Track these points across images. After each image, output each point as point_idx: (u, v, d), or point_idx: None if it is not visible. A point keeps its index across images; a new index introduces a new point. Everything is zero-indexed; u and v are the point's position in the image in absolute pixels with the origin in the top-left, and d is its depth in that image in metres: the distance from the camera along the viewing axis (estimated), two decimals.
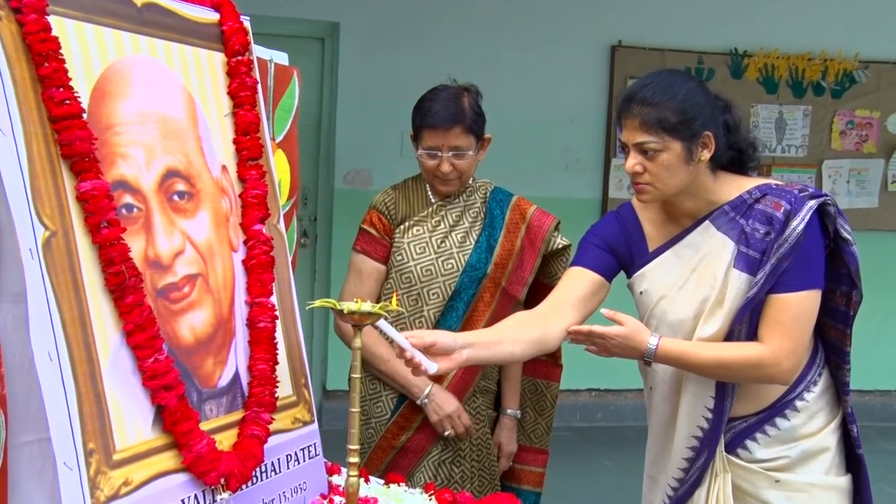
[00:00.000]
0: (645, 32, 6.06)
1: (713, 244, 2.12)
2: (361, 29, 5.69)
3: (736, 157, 2.16)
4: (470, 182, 2.64)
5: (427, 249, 2.57)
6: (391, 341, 1.84)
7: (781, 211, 2.05)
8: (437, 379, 2.55)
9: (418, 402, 2.54)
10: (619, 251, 2.25)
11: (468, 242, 2.59)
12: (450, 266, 2.56)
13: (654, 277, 2.20)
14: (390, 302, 1.79)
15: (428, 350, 1.84)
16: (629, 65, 6.04)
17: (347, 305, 1.63)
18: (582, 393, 6.01)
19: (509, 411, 2.73)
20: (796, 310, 2.04)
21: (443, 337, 1.89)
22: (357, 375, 1.67)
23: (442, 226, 2.59)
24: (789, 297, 2.04)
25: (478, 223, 2.61)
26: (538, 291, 2.71)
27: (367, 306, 1.65)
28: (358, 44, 5.70)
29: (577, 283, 2.22)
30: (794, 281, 2.03)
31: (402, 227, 2.59)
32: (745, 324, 2.08)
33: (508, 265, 2.60)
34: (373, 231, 2.60)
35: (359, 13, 5.68)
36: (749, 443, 2.16)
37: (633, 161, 2.06)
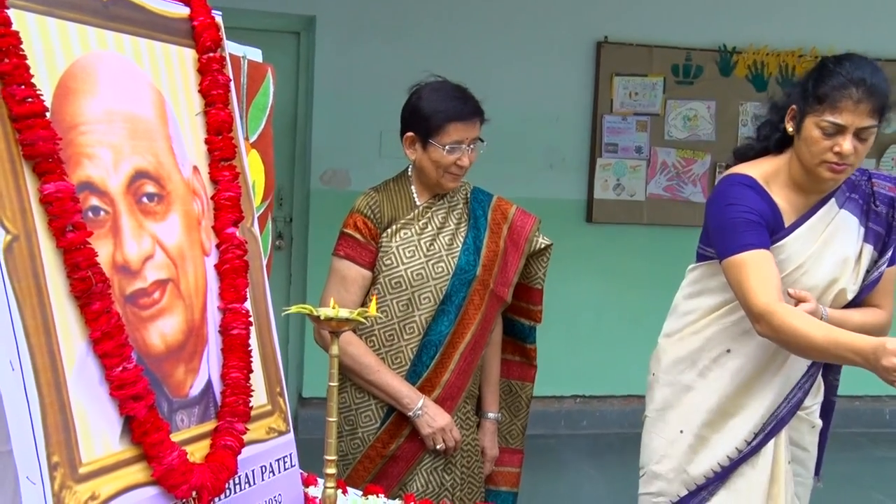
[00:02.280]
0: (631, 28, 6.01)
1: (840, 220, 2.36)
2: (338, 23, 5.60)
3: None
4: None
5: (417, 253, 2.51)
6: None
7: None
8: (430, 385, 2.52)
9: (410, 413, 2.49)
10: (769, 225, 2.35)
11: (456, 244, 2.54)
12: (440, 269, 2.51)
13: (792, 250, 2.32)
14: (369, 307, 1.74)
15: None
16: (615, 61, 6.00)
17: (324, 311, 1.58)
18: (567, 400, 5.96)
19: (490, 415, 2.69)
20: None
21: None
22: (335, 384, 1.61)
23: (429, 228, 2.54)
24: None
25: (462, 224, 2.57)
26: (522, 295, 2.68)
27: (344, 312, 1.60)
28: (335, 38, 5.61)
29: (772, 266, 2.24)
30: None
31: (388, 230, 2.52)
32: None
33: (494, 267, 2.56)
34: (358, 236, 2.52)
35: (336, 6, 5.58)
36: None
37: (852, 144, 2.21)
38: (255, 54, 2.05)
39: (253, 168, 2.03)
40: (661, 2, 6.02)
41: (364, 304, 2.52)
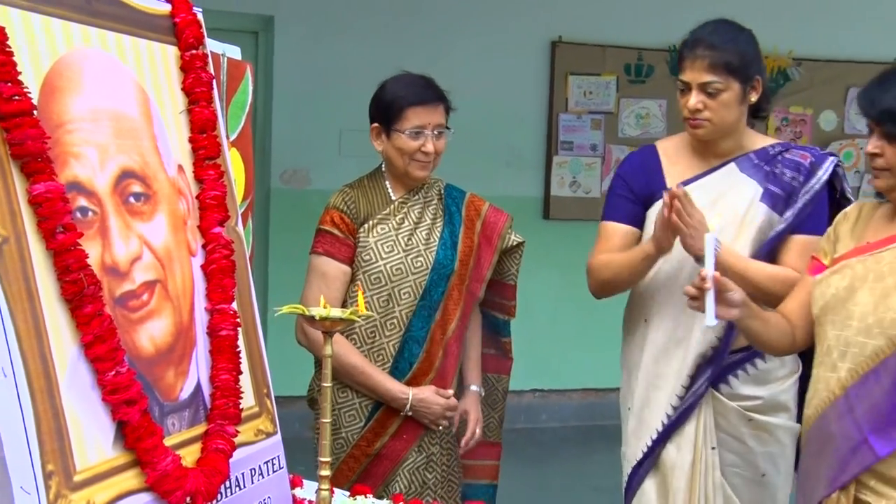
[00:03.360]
0: (585, 28, 6.03)
1: (734, 183, 2.40)
2: (297, 22, 5.54)
3: (759, 106, 2.44)
4: None
5: (395, 248, 2.50)
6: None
7: (808, 161, 2.38)
8: (419, 379, 2.51)
9: (403, 413, 2.47)
10: (641, 193, 2.50)
11: (433, 239, 2.54)
12: (419, 264, 2.50)
13: None
14: (356, 303, 1.73)
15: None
16: (569, 61, 6.03)
17: (317, 311, 1.56)
18: (526, 394, 5.98)
19: (473, 387, 2.66)
20: (813, 251, 2.22)
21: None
22: (328, 384, 1.60)
23: (406, 223, 2.53)
24: (810, 238, 2.32)
25: (438, 220, 2.57)
26: (496, 290, 2.68)
27: (336, 312, 1.58)
28: (293, 38, 5.55)
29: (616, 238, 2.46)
30: (813, 225, 2.33)
31: (365, 226, 2.51)
32: (764, 259, 2.36)
33: (470, 262, 2.56)
34: (336, 231, 2.50)
35: (294, 6, 5.53)
36: (731, 378, 2.40)
37: (696, 99, 2.32)
38: (234, 52, 2.02)
39: (234, 166, 1.99)
40: (613, 3, 6.06)
41: (346, 300, 2.50)
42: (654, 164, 2.52)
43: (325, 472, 1.58)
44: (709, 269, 2.03)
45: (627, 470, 2.51)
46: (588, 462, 5.25)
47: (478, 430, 2.63)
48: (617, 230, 2.51)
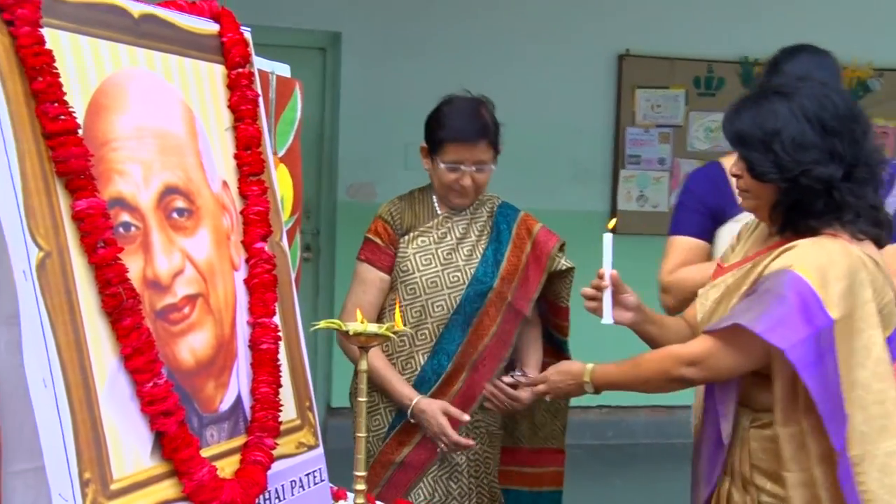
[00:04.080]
0: (653, 41, 6.00)
1: None
2: (363, 39, 5.64)
3: None
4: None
5: (433, 261, 2.53)
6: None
7: (887, 174, 2.29)
8: (441, 394, 2.51)
9: (408, 413, 2.50)
10: (712, 208, 2.54)
11: (475, 256, 2.55)
12: (455, 278, 2.53)
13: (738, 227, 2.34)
14: (394, 316, 1.74)
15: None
16: (637, 74, 6.00)
17: (353, 327, 1.57)
18: (592, 410, 5.91)
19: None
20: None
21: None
22: (363, 399, 1.61)
23: (449, 238, 2.56)
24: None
25: (484, 237, 2.58)
26: (552, 310, 2.68)
27: (373, 327, 1.59)
28: (360, 54, 5.65)
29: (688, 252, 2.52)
30: None
31: (406, 237, 2.55)
32: None
33: (514, 280, 2.56)
34: (377, 240, 2.57)
35: (361, 23, 5.63)
36: None
37: None
38: (284, 70, 2.06)
39: (282, 182, 2.04)
40: (682, 15, 6.01)
41: (384, 307, 2.56)
42: (722, 180, 2.52)
43: (361, 486, 1.59)
44: (607, 269, 2.09)
45: None
46: (655, 480, 5.18)
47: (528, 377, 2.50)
48: (688, 244, 2.55)
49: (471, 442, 2.51)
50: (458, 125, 2.48)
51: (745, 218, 2.23)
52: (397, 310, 1.83)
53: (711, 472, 2.02)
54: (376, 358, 2.50)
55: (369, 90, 5.62)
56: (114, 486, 1.34)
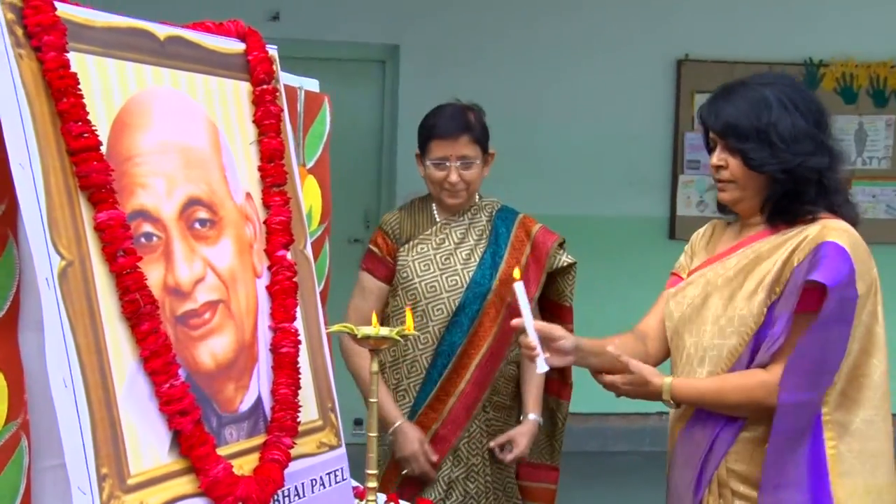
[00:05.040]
0: (713, 45, 5.96)
1: None
2: (421, 51, 5.74)
3: None
4: (476, 200, 2.69)
5: (431, 266, 2.61)
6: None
7: None
8: (445, 394, 2.58)
9: (388, 432, 2.59)
10: None
11: (473, 260, 2.63)
12: (453, 282, 2.60)
13: None
14: (405, 324, 1.80)
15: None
16: (696, 79, 5.96)
17: (363, 331, 1.64)
18: (652, 416, 5.88)
19: (532, 416, 2.68)
20: None
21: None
22: (374, 400, 1.68)
23: (447, 243, 2.64)
24: None
25: (482, 241, 2.65)
26: (553, 311, 2.71)
27: (384, 331, 1.66)
28: (417, 66, 5.75)
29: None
30: None
31: (406, 245, 2.64)
32: None
33: None
34: (376, 250, 2.68)
35: (418, 35, 5.73)
36: None
37: None
38: (313, 85, 2.14)
39: (310, 193, 2.12)
40: (742, 18, 5.96)
41: (387, 316, 2.66)
42: None
43: (373, 484, 1.66)
44: (527, 323, 1.96)
45: None
46: (627, 487, 5.06)
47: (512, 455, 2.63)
48: None
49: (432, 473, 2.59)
50: (439, 122, 2.61)
51: None
52: (409, 315, 1.89)
53: (703, 476, 2.01)
54: (367, 369, 2.57)
55: (427, 101, 5.64)
56: (130, 481, 1.43)
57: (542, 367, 1.95)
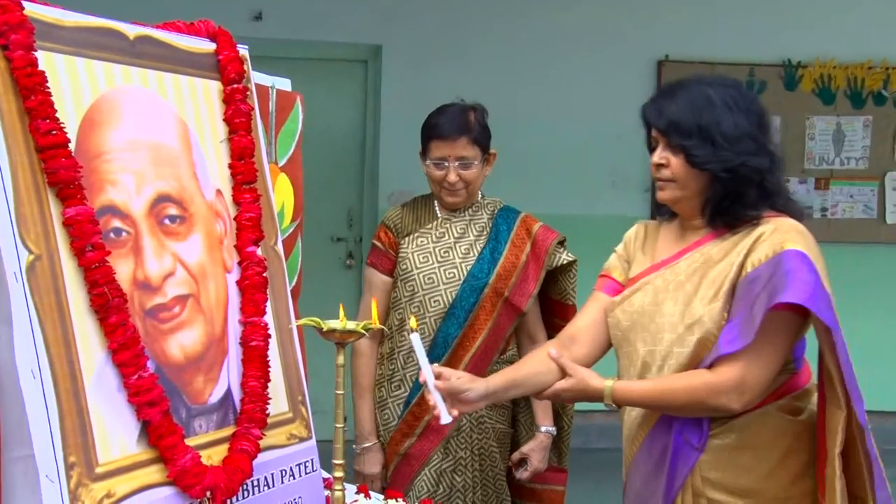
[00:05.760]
0: (693, 46, 5.98)
1: None
2: (404, 51, 5.76)
3: None
4: (478, 199, 2.72)
5: (430, 259, 2.66)
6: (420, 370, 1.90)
7: None
8: None
9: (356, 448, 2.69)
10: None
11: (472, 254, 2.67)
12: (451, 275, 2.64)
13: None
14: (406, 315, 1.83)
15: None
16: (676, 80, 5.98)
17: (329, 324, 1.67)
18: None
19: (544, 429, 2.73)
20: None
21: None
22: (341, 392, 1.71)
23: (446, 237, 2.69)
24: None
25: (483, 237, 2.69)
26: (552, 309, 2.75)
27: (351, 324, 1.69)
28: (400, 65, 5.77)
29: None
30: None
31: (407, 239, 2.69)
32: None
33: (512, 277, 2.65)
34: (379, 244, 2.74)
35: (401, 35, 5.75)
36: None
37: None
38: (284, 84, 2.17)
39: (282, 190, 2.15)
40: (722, 19, 5.99)
41: (389, 308, 2.70)
42: None
43: (339, 474, 1.69)
44: (427, 376, 1.87)
45: None
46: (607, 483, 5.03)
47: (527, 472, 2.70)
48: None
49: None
50: (440, 123, 2.63)
51: None
52: (374, 307, 1.93)
53: (673, 482, 1.98)
54: (365, 377, 2.70)
55: (410, 100, 5.73)
56: (99, 470, 1.46)
57: (445, 419, 1.85)
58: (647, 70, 6.01)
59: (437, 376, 1.88)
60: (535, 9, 5.89)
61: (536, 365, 2.09)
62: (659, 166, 2.03)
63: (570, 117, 5.83)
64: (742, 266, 1.93)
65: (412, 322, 1.88)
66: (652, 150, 2.07)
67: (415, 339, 1.83)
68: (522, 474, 2.70)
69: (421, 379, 1.87)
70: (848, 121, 6.20)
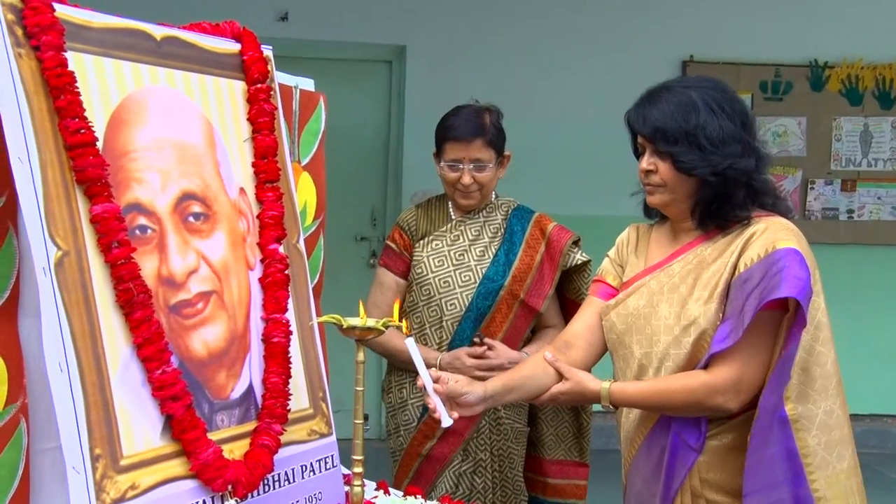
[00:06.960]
0: (718, 46, 5.98)
1: None
2: (427, 51, 5.79)
3: None
4: (492, 199, 2.74)
5: (445, 262, 2.67)
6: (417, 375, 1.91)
7: None
8: None
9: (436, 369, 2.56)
10: None
11: (486, 256, 2.68)
12: (467, 278, 2.65)
13: None
14: (420, 320, 1.85)
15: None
16: None
17: (349, 321, 1.69)
18: None
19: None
20: None
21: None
22: (361, 388, 1.73)
23: (461, 240, 2.69)
24: None
25: (497, 238, 2.70)
26: (567, 307, 2.76)
27: (371, 322, 1.71)
28: (424, 65, 5.80)
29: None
30: None
31: (422, 242, 2.70)
32: None
33: (527, 279, 2.66)
34: (393, 246, 2.75)
35: (424, 36, 5.78)
36: None
37: None
38: (308, 84, 2.20)
39: (305, 189, 2.17)
40: (748, 19, 5.97)
41: (402, 308, 2.69)
42: None
43: (359, 469, 1.71)
44: (425, 381, 1.89)
45: None
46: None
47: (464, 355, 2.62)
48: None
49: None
50: (455, 124, 2.64)
51: None
52: (395, 306, 1.95)
53: (671, 484, 1.99)
54: (396, 339, 2.54)
55: (433, 100, 5.72)
56: (123, 462, 1.49)
57: (446, 422, 1.88)
58: (672, 71, 5.98)
59: (436, 380, 1.91)
60: (559, 8, 5.90)
61: (534, 369, 2.11)
62: (647, 172, 2.04)
63: (593, 118, 5.82)
64: (735, 266, 1.96)
65: (404, 327, 1.87)
66: (639, 155, 2.09)
67: (409, 343, 1.83)
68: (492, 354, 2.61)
69: (419, 384, 1.89)
70: (876, 122, 6.16)
